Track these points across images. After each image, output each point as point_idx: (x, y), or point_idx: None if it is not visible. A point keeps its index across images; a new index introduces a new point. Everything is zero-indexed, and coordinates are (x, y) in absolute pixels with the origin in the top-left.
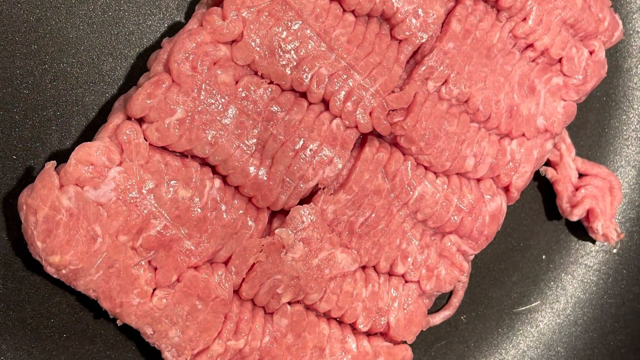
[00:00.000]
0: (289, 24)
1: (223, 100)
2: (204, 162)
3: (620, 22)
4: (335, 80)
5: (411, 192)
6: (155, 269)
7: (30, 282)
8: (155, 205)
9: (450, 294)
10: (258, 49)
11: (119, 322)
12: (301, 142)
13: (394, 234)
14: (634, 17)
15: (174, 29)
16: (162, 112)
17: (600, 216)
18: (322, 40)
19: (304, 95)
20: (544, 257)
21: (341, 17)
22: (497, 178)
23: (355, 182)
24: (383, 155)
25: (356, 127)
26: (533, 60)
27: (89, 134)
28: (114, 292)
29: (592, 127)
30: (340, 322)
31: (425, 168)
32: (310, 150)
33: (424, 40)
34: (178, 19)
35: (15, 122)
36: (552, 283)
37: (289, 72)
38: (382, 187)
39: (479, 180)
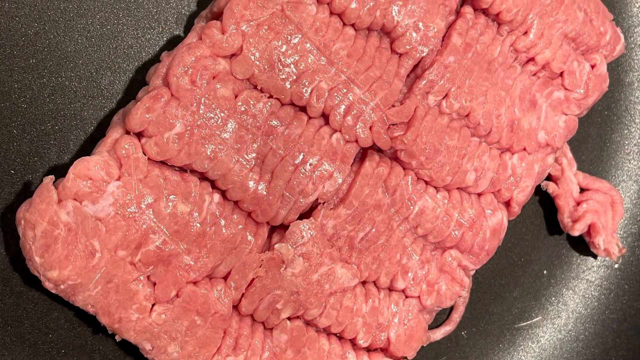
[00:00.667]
0: (289, 37)
1: (222, 114)
2: (203, 177)
3: (621, 35)
4: (335, 94)
5: (412, 207)
6: (154, 284)
7: (29, 297)
8: (154, 220)
9: (451, 309)
10: (257, 62)
11: (117, 338)
12: (301, 157)
13: (394, 249)
14: (635, 30)
15: (173, 43)
16: (161, 126)
17: (602, 231)
18: (322, 54)
19: (303, 109)
20: (545, 272)
21: (341, 31)
22: (498, 193)
23: (356, 197)
24: (383, 170)
25: (356, 141)
26: (534, 74)
27: (87, 148)
28: (113, 308)
29: (593, 142)
30: (340, 337)
31: (426, 182)
32: (310, 164)
33: (424, 54)
34: (177, 32)
35: (13, 137)
36: (553, 298)
37: (288, 86)
38: (382, 202)
39: (479, 194)
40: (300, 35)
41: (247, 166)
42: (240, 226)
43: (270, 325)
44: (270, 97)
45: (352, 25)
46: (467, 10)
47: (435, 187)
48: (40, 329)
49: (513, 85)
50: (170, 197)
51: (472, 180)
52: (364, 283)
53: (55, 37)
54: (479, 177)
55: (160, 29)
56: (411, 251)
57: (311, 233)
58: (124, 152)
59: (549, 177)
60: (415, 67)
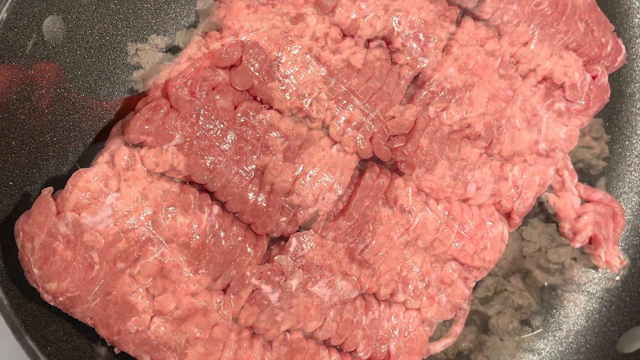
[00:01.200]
0: (289, 48)
1: (222, 125)
2: (202, 188)
3: (623, 46)
4: (335, 105)
5: (412, 219)
6: (154, 296)
7: (27, 309)
8: (153, 231)
9: (452, 321)
10: (257, 73)
11: (116, 350)
12: (301, 168)
13: (394, 261)
14: (637, 41)
15: (172, 54)
16: (160, 137)
17: (603, 243)
18: (322, 65)
19: (303, 120)
20: (546, 284)
21: (341, 42)
22: (499, 204)
23: (356, 209)
24: (383, 181)
25: (356, 153)
26: (535, 86)
27: (86, 159)
28: (112, 320)
29: (594, 153)
30: (340, 350)
31: (426, 194)
32: (310, 176)
33: (424, 65)
34: (176, 43)
35: (12, 148)
36: (554, 310)
37: (288, 97)
38: (382, 214)
39: (480, 206)
40: (300, 46)
41: (247, 178)
42: (239, 238)
43: (269, 337)
44: (270, 108)
45: (352, 36)
46: (468, 21)
47: (436, 199)
48: (38, 341)
49: (514, 96)
50: (170, 208)
51: (472, 191)
52: (364, 295)
53: (54, 47)
54: (479, 189)
55: (160, 40)
56: (411, 263)
57: (311, 245)
58: (123, 163)
59: (550, 189)
60: (416, 78)
